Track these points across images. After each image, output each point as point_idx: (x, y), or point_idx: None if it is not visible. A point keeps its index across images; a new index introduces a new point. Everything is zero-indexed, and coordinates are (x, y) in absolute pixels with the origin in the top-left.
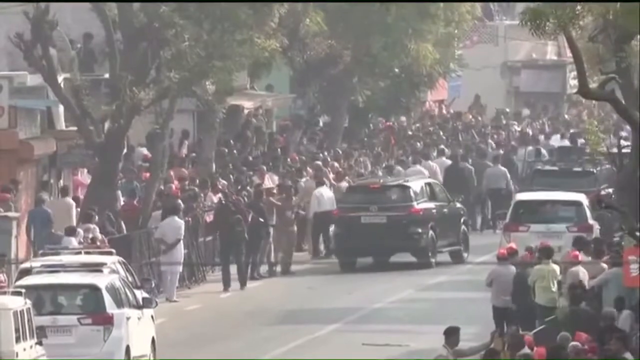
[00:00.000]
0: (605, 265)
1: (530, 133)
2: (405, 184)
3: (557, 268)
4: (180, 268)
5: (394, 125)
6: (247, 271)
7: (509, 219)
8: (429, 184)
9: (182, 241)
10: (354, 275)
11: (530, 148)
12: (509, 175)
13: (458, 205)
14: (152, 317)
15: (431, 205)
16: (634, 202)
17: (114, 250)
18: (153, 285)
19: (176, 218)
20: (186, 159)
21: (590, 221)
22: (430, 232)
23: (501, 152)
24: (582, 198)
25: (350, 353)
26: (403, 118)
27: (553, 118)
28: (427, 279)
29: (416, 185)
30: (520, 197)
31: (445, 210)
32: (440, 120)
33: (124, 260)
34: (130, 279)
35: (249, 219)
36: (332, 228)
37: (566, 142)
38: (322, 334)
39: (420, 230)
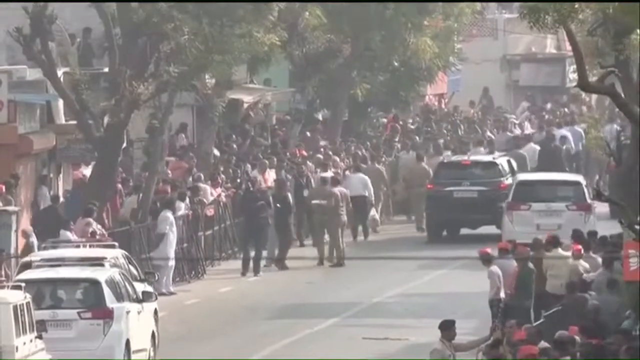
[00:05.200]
0: (599, 259)
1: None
2: (495, 160)
3: (567, 255)
4: (171, 262)
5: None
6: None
7: (511, 199)
8: (509, 162)
9: (169, 236)
10: (353, 269)
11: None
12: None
13: None
14: (155, 310)
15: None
16: (633, 196)
17: (116, 244)
18: (156, 278)
19: (166, 212)
20: (185, 152)
21: (589, 200)
22: None
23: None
24: (580, 178)
25: (350, 347)
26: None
27: (554, 110)
28: (425, 273)
29: (502, 162)
30: (521, 178)
31: None
32: (440, 114)
33: (127, 254)
34: (134, 272)
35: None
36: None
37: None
38: (321, 328)
39: None
